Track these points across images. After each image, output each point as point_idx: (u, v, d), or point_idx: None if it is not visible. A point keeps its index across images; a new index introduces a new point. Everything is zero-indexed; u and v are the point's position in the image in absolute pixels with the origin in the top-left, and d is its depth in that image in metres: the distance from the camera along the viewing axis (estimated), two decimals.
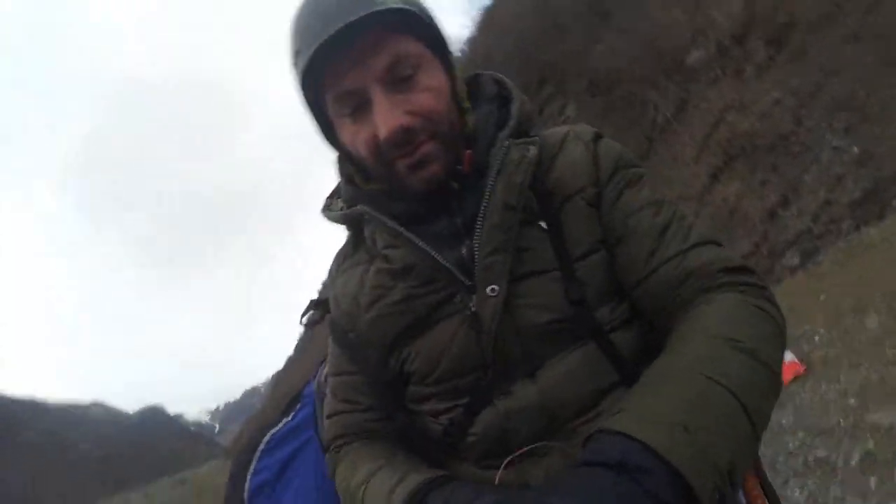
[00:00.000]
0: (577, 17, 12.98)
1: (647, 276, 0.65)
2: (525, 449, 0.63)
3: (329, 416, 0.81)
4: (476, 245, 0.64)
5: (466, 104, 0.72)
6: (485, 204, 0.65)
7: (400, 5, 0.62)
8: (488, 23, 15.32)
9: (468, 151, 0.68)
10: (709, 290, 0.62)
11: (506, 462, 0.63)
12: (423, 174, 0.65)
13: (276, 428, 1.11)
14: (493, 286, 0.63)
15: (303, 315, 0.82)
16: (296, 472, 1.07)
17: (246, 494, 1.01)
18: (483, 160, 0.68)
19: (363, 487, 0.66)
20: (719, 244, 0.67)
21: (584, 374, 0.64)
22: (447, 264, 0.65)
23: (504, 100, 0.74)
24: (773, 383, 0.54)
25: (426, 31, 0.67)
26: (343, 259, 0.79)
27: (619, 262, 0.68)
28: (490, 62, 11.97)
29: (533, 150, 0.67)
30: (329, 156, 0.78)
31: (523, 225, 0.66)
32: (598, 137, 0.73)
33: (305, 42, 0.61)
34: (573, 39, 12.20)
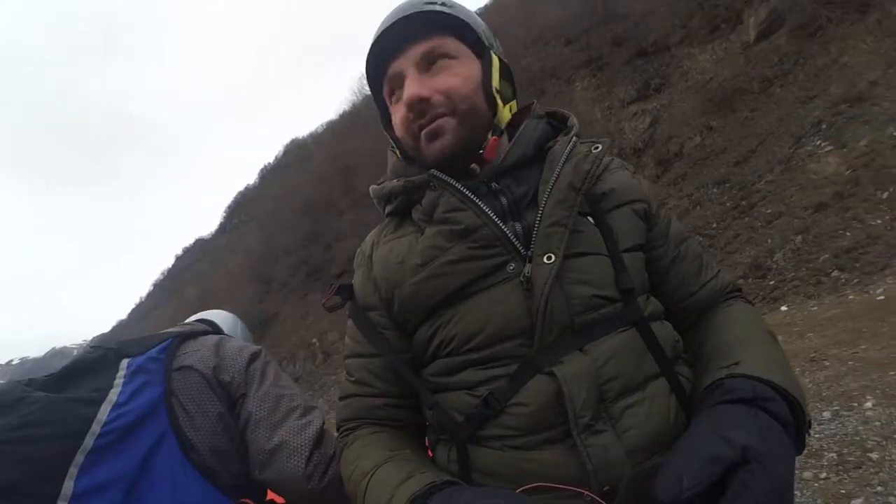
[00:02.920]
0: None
1: (700, 289, 0.83)
2: (534, 485, 0.64)
3: (342, 398, 0.84)
4: (538, 217, 0.70)
5: (499, 100, 0.78)
6: (553, 182, 0.71)
7: (443, 9, 0.76)
8: None
9: (493, 138, 0.77)
10: (728, 298, 0.84)
11: (520, 489, 0.63)
12: (437, 144, 0.75)
13: (102, 410, 0.78)
14: (549, 254, 0.68)
15: (326, 298, 0.83)
16: (154, 483, 0.80)
17: None
18: (527, 154, 0.77)
19: (368, 477, 0.69)
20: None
21: (631, 357, 0.68)
22: (508, 232, 0.70)
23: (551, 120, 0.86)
24: None
25: (469, 34, 0.79)
26: (383, 235, 0.83)
27: (674, 275, 0.82)
28: None
29: (600, 148, 0.76)
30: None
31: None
32: (633, 171, 0.88)
33: (372, 40, 0.79)
34: None
